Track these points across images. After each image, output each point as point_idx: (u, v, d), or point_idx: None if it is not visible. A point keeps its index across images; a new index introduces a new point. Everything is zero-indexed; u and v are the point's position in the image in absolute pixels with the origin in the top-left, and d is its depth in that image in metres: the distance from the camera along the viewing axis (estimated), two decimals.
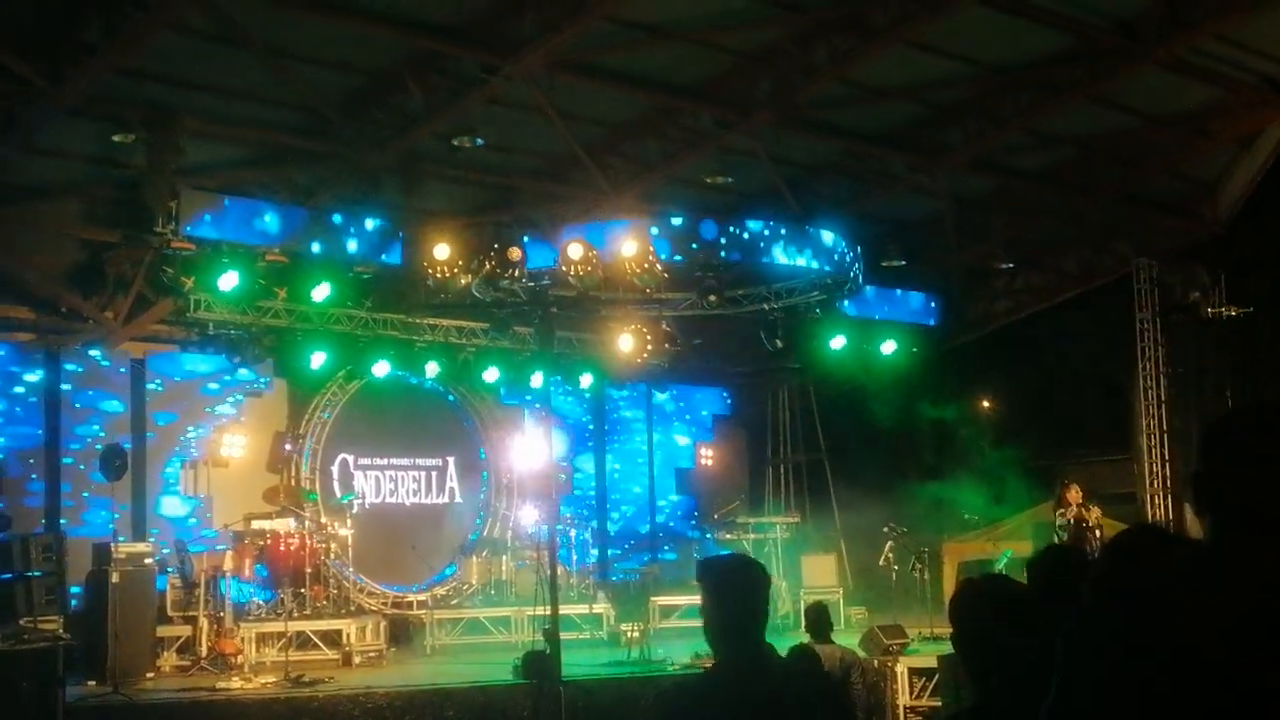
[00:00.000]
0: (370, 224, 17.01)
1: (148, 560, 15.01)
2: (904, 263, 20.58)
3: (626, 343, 19.10)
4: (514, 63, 14.51)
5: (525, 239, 16.17)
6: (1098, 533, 17.36)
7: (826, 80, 16.08)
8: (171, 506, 17.95)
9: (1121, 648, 2.50)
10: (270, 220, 16.34)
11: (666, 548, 22.53)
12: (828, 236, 17.99)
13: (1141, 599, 2.57)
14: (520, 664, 13.12)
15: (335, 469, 19.05)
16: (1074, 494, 17.57)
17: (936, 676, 14.49)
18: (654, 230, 16.58)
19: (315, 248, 16.52)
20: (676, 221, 17.25)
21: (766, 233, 17.42)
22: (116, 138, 15.14)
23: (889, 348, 21.15)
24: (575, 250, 15.64)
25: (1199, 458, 2.65)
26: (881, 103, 17.33)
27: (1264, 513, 2.48)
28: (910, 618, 17.61)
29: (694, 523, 23.00)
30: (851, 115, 17.66)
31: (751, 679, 4.17)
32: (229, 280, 16.02)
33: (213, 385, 18.40)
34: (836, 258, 18.07)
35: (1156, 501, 21.13)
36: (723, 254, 17.39)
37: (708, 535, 22.14)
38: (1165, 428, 21.17)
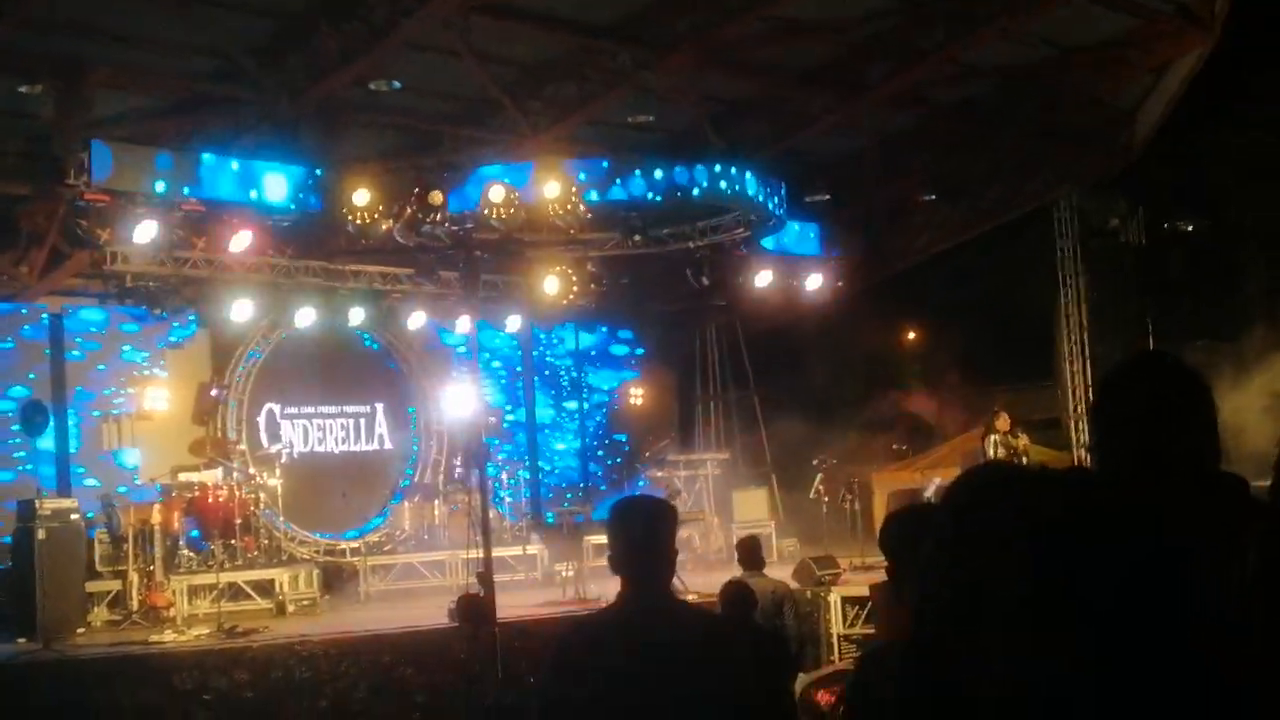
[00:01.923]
0: (288, 171, 16.77)
1: (74, 516, 14.83)
2: (828, 197, 20.64)
3: (552, 284, 19.04)
4: (429, 4, 14.34)
5: (449, 180, 16.06)
6: (1025, 459, 17.62)
7: (745, 17, 16.04)
8: (96, 461, 17.73)
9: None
10: (186, 169, 16.05)
11: (597, 487, 22.59)
12: (751, 173, 17.99)
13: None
14: (455, 607, 13.13)
15: (262, 419, 18.92)
16: (1002, 421, 17.84)
17: (869, 605, 14.71)
18: (579, 174, 16.49)
19: (233, 196, 16.27)
20: (599, 163, 17.16)
21: (689, 171, 17.38)
22: (23, 89, 14.82)
23: (814, 282, 21.23)
24: (497, 193, 15.53)
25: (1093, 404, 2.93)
26: (801, 39, 17.29)
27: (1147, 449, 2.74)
28: (842, 548, 17.81)
29: (623, 462, 23.05)
30: (771, 52, 17.62)
31: (646, 618, 4.20)
32: (145, 231, 15.74)
33: (134, 338, 18.16)
34: (760, 194, 18.09)
35: (1080, 426, 21.47)
36: (646, 193, 17.35)
37: (638, 474, 22.21)
38: (1088, 354, 21.48)
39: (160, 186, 15.70)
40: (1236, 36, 18.62)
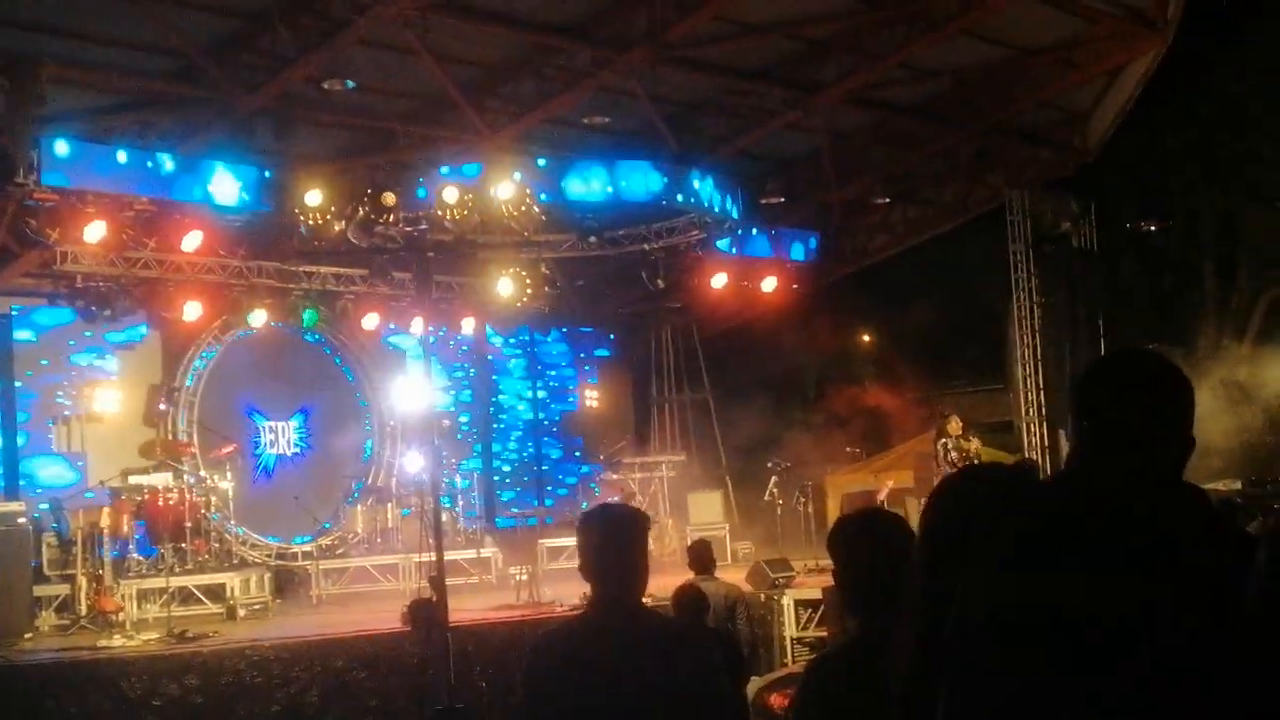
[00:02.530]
0: (241, 170, 16.62)
1: (20, 520, 14.66)
2: (783, 199, 20.66)
3: (505, 286, 18.97)
4: (384, 2, 14.25)
5: (403, 180, 15.97)
6: (977, 462, 17.68)
7: (701, 16, 16.02)
8: (45, 464, 17.53)
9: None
10: (138, 169, 15.88)
11: (552, 490, 22.52)
12: (706, 174, 17.99)
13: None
14: (407, 611, 13.03)
15: (213, 421, 18.73)
16: (954, 425, 17.91)
17: (822, 608, 14.73)
18: (519, 175, 16.42)
19: (185, 196, 16.12)
20: (547, 163, 17.11)
21: (646, 171, 17.37)
22: None
23: (769, 284, 21.25)
24: (451, 194, 15.45)
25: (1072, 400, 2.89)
26: (757, 39, 17.31)
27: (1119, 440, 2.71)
28: (795, 550, 17.84)
29: (580, 465, 23.00)
30: (727, 52, 17.62)
31: (616, 627, 4.24)
32: (95, 231, 15.57)
33: (84, 339, 17.94)
34: (715, 196, 18.08)
35: (1032, 429, 21.55)
36: (601, 194, 17.32)
37: (593, 477, 22.17)
38: (1040, 357, 21.55)
39: (111, 185, 15.53)
40: (1190, 39, 18.76)
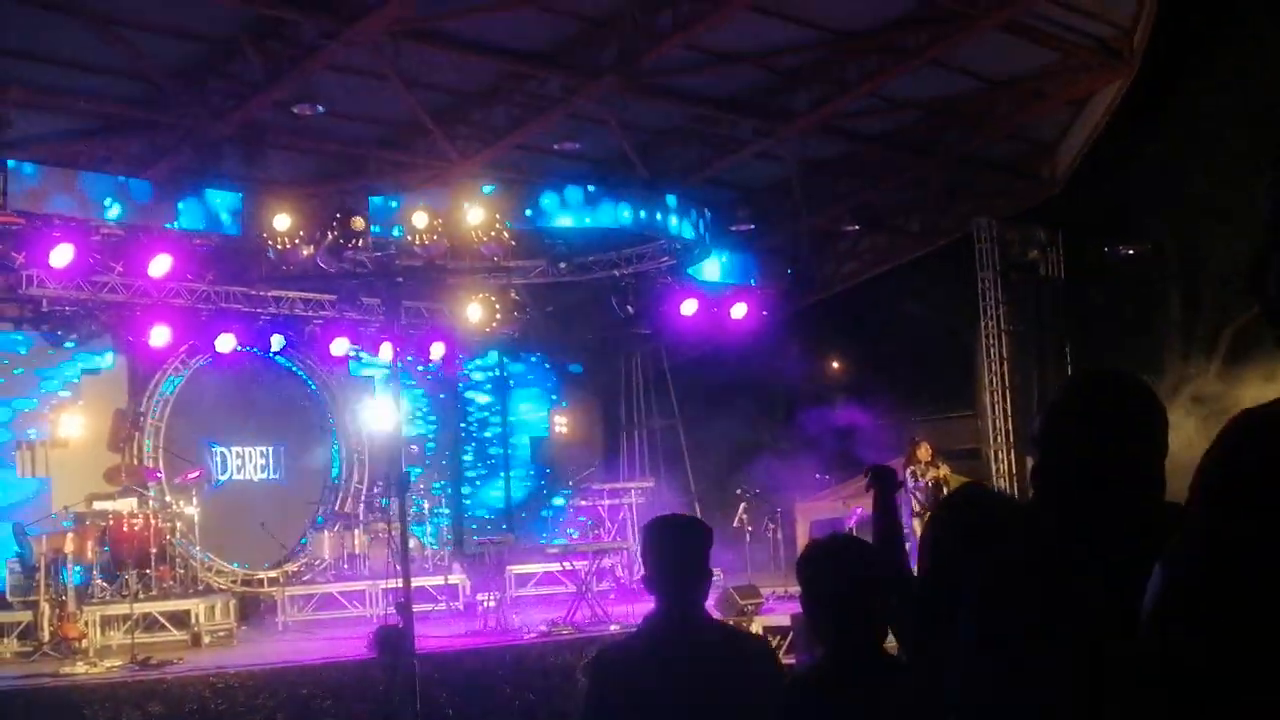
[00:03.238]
0: (210, 195, 16.58)
1: None
2: (752, 226, 20.73)
3: (475, 312, 18.94)
4: (354, 28, 14.25)
5: (370, 204, 15.94)
6: (945, 489, 17.72)
7: (672, 45, 16.08)
8: (8, 489, 17.37)
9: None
10: (105, 193, 15.82)
11: (521, 517, 22.45)
12: (676, 202, 18.03)
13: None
14: (373, 638, 12.96)
15: (179, 447, 18.61)
16: (923, 451, 17.92)
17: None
18: (504, 201, 16.43)
19: (152, 220, 16.05)
20: (523, 190, 17.13)
21: (615, 199, 17.40)
22: None
23: (739, 311, 21.28)
24: (420, 219, 15.44)
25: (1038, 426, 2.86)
26: (728, 68, 17.38)
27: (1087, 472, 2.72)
28: (765, 577, 17.82)
29: (548, 491, 22.94)
30: (698, 80, 17.69)
31: (679, 634, 4.27)
32: (62, 255, 15.49)
33: (49, 363, 17.81)
34: (685, 223, 18.12)
35: (1000, 456, 21.63)
36: (569, 221, 17.34)
37: (561, 504, 22.11)
38: (1007, 384, 21.66)
39: (78, 210, 15.47)
40: (1156, 68, 18.93)
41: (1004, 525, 2.97)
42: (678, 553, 4.35)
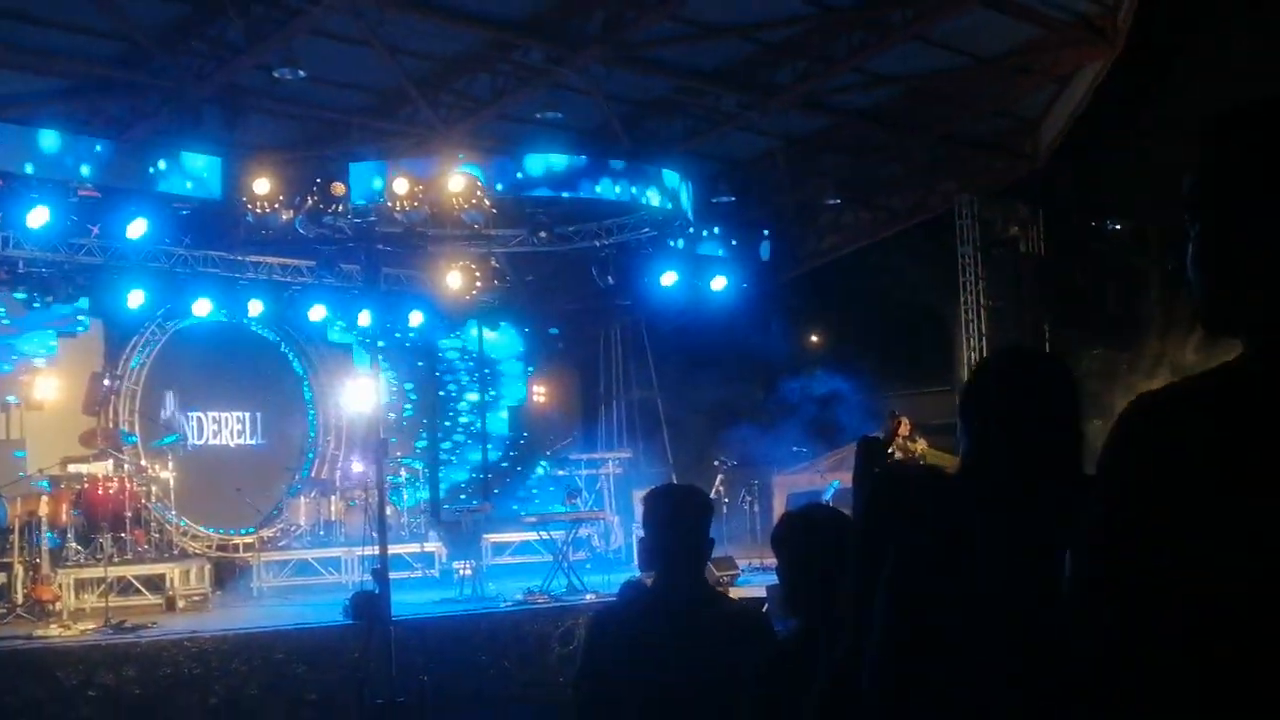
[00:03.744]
0: (189, 158, 16.47)
1: None
2: (734, 199, 20.69)
3: (455, 280, 18.90)
4: None
5: (350, 169, 15.86)
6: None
7: (657, 16, 16.01)
8: None
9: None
10: (82, 154, 15.71)
11: (498, 485, 22.46)
12: (659, 173, 17.98)
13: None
14: (349, 605, 12.97)
15: (155, 410, 18.55)
16: (903, 427, 17.95)
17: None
18: (478, 169, 16.35)
19: (130, 183, 15.95)
20: (505, 159, 17.05)
21: (597, 169, 17.34)
22: None
23: (719, 284, 21.28)
24: (401, 185, 15.37)
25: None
26: (713, 39, 17.30)
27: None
28: (741, 549, 17.88)
29: (525, 460, 22.94)
30: (683, 52, 17.60)
31: (679, 605, 4.32)
32: (39, 216, 15.39)
33: (24, 326, 17.70)
34: (667, 195, 18.08)
35: None
36: (552, 190, 17.28)
37: (539, 474, 22.12)
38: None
39: (55, 171, 15.36)
40: (1141, 44, 18.90)
41: (927, 499, 3.07)
42: (677, 523, 4.38)
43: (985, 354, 21.59)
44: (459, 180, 15.72)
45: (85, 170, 15.69)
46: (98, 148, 15.73)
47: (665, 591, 4.39)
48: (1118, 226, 25.03)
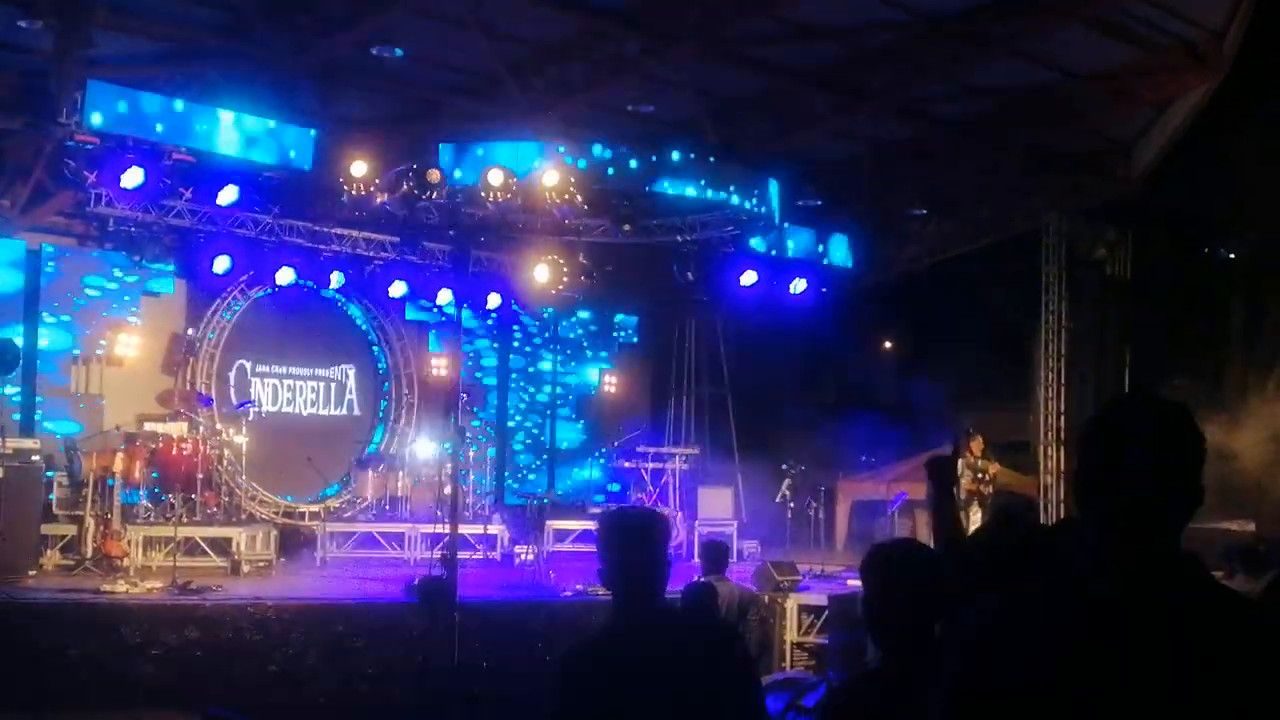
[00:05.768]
0: (283, 129, 16.59)
1: (35, 457, 14.74)
2: (819, 202, 20.59)
3: (542, 273, 19.02)
4: None
5: (442, 151, 15.94)
6: (991, 485, 17.65)
7: (757, 15, 15.95)
8: (62, 403, 17.53)
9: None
10: (179, 118, 15.87)
11: (564, 471, 22.51)
12: (747, 172, 17.91)
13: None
14: (414, 587, 13.04)
15: (232, 375, 18.75)
16: (976, 444, 17.76)
17: (825, 614, 14.69)
18: (574, 160, 16.34)
19: (223, 149, 16.11)
20: (597, 150, 17.02)
21: (685, 164, 17.28)
22: (23, 23, 14.61)
23: (799, 286, 21.18)
24: (495, 176, 15.44)
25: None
26: (810, 42, 17.22)
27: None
28: (803, 554, 17.81)
29: (592, 449, 22.96)
30: (779, 52, 17.54)
31: (646, 634, 4.20)
32: (133, 177, 15.57)
33: (111, 283, 17.93)
34: (754, 194, 18.01)
35: (1049, 452, 21.50)
36: (638, 183, 17.25)
37: (607, 462, 22.13)
38: (1063, 380, 21.49)
39: (151, 134, 15.54)
40: (1244, 76, 18.59)
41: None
42: (637, 550, 4.25)
43: (1063, 374, 21.37)
44: (553, 175, 15.76)
45: (181, 135, 15.84)
46: (194, 113, 15.88)
47: (632, 618, 4.27)
48: (1205, 251, 24.67)
